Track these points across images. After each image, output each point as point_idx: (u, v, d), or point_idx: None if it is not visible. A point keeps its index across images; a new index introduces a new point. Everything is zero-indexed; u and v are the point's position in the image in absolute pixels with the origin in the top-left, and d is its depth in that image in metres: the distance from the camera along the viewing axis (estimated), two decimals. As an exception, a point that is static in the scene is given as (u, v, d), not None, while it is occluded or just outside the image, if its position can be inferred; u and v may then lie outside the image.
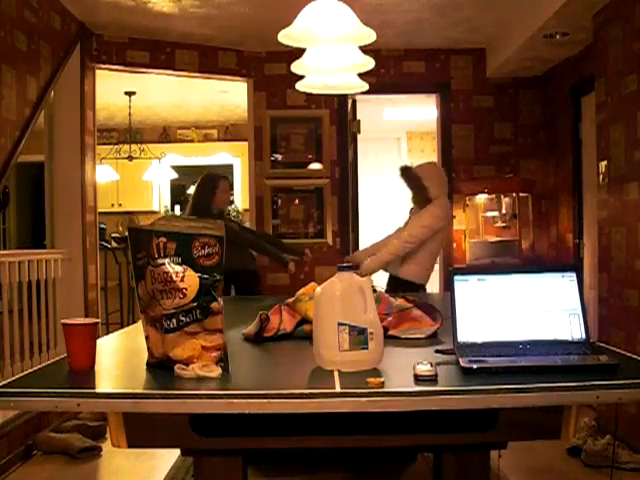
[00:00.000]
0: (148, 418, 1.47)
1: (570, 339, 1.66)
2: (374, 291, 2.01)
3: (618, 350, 1.78)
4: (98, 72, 5.15)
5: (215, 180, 4.70)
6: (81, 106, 4.81)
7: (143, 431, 1.52)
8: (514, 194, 5.52)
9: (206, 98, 7.29)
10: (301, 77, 3.21)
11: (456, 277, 1.72)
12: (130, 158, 7.71)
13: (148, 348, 1.63)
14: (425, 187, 4.14)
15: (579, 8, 3.91)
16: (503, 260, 5.34)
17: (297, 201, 5.64)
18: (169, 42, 5.30)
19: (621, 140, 3.73)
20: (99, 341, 1.73)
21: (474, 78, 5.67)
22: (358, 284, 1.63)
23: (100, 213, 5.41)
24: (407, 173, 4.27)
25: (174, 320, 1.55)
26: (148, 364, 1.64)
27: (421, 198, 4.19)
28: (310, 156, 5.62)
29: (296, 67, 2.97)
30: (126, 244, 5.56)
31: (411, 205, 4.39)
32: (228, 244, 1.56)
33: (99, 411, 3.06)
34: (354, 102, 5.82)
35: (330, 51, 2.84)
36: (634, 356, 1.71)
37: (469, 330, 1.67)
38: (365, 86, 3.34)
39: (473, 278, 1.72)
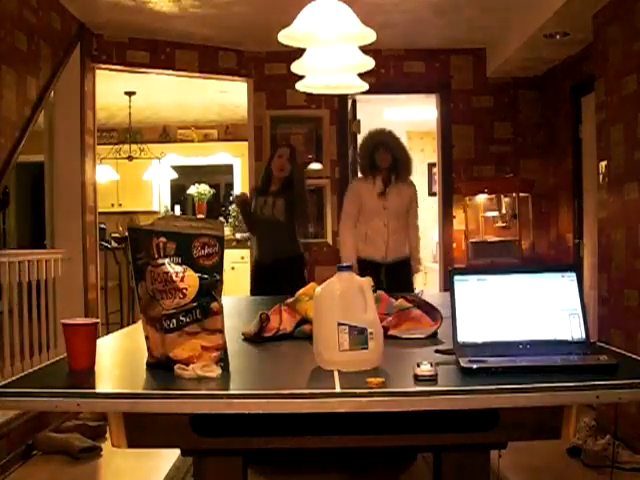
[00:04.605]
0: (148, 418, 1.47)
1: (570, 339, 1.66)
2: (374, 291, 2.01)
3: (618, 350, 1.78)
4: (98, 72, 5.15)
5: (277, 146, 4.75)
6: (81, 106, 4.81)
7: (143, 431, 1.51)
8: (514, 194, 5.52)
9: (206, 98, 7.29)
10: (301, 77, 3.21)
11: (456, 277, 1.72)
12: (130, 158, 7.71)
13: (148, 348, 1.63)
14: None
15: (579, 8, 3.91)
16: (503, 260, 5.34)
17: (297, 201, 5.63)
18: (169, 42, 5.30)
19: (621, 140, 3.73)
20: (99, 341, 1.73)
21: (474, 78, 5.67)
22: (358, 284, 1.63)
23: (100, 213, 5.41)
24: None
25: (174, 320, 1.55)
26: (148, 364, 1.64)
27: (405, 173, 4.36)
28: (310, 156, 5.62)
29: (296, 67, 2.97)
30: (126, 244, 5.57)
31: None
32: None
33: (99, 411, 3.06)
34: (354, 102, 5.82)
35: (330, 51, 2.84)
36: (634, 356, 1.71)
37: (469, 330, 1.67)
38: (365, 86, 3.34)
39: (473, 278, 1.72)
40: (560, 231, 5.40)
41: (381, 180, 4.27)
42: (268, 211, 4.34)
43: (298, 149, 5.61)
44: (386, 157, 4.24)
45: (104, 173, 7.45)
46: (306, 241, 5.40)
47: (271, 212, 4.33)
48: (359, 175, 4.54)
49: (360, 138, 5.77)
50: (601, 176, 4.01)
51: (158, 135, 8.86)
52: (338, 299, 1.59)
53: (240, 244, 7.78)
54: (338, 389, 1.43)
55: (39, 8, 4.14)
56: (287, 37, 2.59)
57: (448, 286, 1.75)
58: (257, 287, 4.50)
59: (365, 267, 4.08)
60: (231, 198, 8.88)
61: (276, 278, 4.26)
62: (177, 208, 8.97)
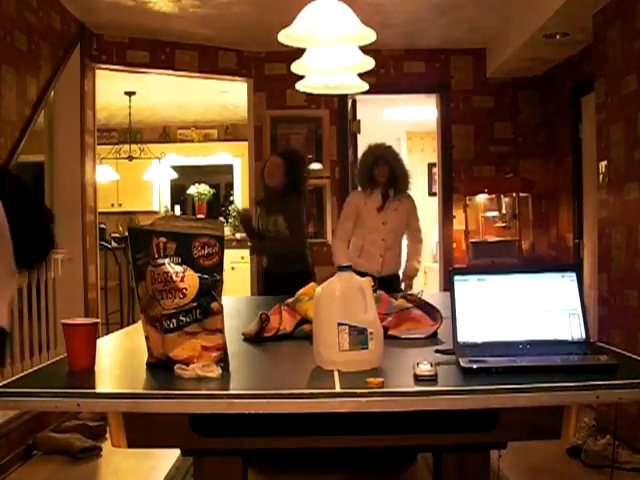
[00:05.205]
0: (148, 418, 1.47)
1: (570, 339, 1.66)
2: (374, 291, 2.01)
3: (618, 350, 1.78)
4: (98, 72, 5.15)
5: (272, 155, 4.66)
6: (81, 106, 4.80)
7: (143, 431, 1.52)
8: (514, 194, 5.52)
9: (206, 98, 7.29)
10: (301, 77, 3.21)
11: (456, 277, 1.72)
12: (130, 158, 7.71)
13: (148, 348, 1.63)
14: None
15: (579, 8, 3.91)
16: (503, 260, 5.34)
17: (297, 201, 5.63)
18: (169, 42, 5.30)
19: (621, 140, 3.73)
20: (99, 341, 1.73)
21: (474, 78, 5.67)
22: (358, 284, 1.63)
23: (100, 213, 5.41)
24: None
25: (174, 320, 1.55)
26: (148, 364, 1.64)
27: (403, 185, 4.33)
28: (310, 156, 5.62)
29: (296, 67, 2.97)
30: (126, 244, 5.56)
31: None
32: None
33: (99, 411, 3.06)
34: (354, 102, 5.82)
35: (330, 51, 2.84)
36: (634, 356, 1.71)
37: (469, 330, 1.67)
38: (365, 86, 3.34)
39: (473, 278, 1.72)
40: (560, 231, 5.40)
41: (380, 195, 4.28)
42: (272, 229, 4.32)
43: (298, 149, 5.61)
44: (384, 171, 4.25)
45: (104, 173, 7.45)
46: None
47: (275, 229, 4.31)
48: (358, 188, 4.53)
49: (360, 138, 5.80)
50: (601, 176, 4.01)
51: (158, 135, 8.86)
52: (338, 299, 1.59)
53: (240, 244, 7.78)
54: (338, 389, 1.43)
55: (39, 8, 4.14)
56: (287, 37, 2.59)
57: (448, 286, 1.75)
58: (267, 293, 4.52)
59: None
60: (231, 201, 8.88)
61: (285, 289, 4.25)
62: (177, 208, 8.96)
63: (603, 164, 3.97)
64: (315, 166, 5.61)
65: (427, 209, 8.23)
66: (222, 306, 1.58)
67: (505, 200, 5.66)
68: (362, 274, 4.39)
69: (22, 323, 3.94)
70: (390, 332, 2.01)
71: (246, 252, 6.69)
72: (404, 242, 4.47)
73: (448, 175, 5.73)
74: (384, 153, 4.31)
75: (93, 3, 4.50)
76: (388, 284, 4.22)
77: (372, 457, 3.17)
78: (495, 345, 1.64)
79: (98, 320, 1.70)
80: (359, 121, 5.84)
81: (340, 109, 5.66)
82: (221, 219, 8.24)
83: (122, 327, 4.70)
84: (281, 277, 4.36)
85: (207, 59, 5.46)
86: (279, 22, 2.75)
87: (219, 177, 9.20)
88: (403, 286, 4.38)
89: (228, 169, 8.88)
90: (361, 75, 3.17)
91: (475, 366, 1.51)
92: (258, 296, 4.83)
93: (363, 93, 3.93)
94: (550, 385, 1.39)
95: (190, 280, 1.55)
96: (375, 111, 6.94)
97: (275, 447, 1.67)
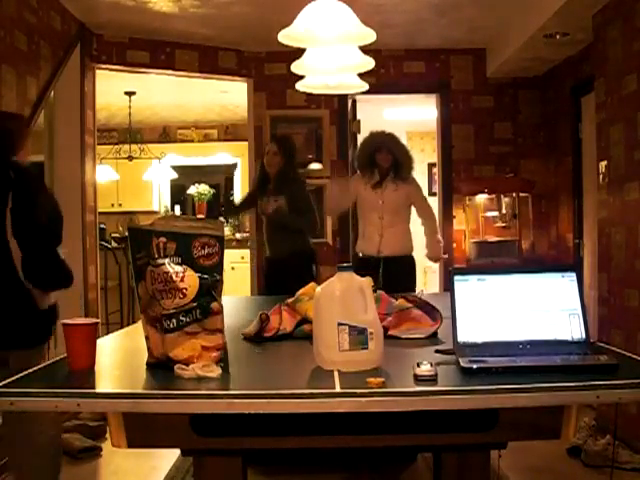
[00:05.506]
0: (148, 418, 1.47)
1: (570, 339, 1.66)
2: (374, 291, 2.01)
3: (618, 350, 1.78)
4: (98, 72, 5.15)
5: (270, 141, 4.70)
6: (81, 106, 4.80)
7: (143, 431, 1.51)
8: (514, 194, 5.52)
9: (206, 98, 7.29)
10: (301, 77, 3.21)
11: (456, 277, 1.72)
12: (130, 158, 7.71)
13: (148, 348, 1.63)
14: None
15: (579, 8, 3.91)
16: (503, 260, 5.34)
17: (297, 201, 5.62)
18: (169, 42, 5.30)
19: (621, 140, 3.73)
20: (99, 341, 1.73)
21: (474, 78, 5.67)
22: (358, 284, 1.63)
23: (100, 213, 5.40)
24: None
25: (174, 320, 1.55)
26: (148, 364, 1.64)
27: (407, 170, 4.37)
28: (310, 156, 5.62)
29: (296, 67, 2.98)
30: (126, 244, 5.57)
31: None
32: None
33: (99, 411, 3.06)
34: (354, 102, 5.82)
35: (330, 51, 2.84)
36: (634, 356, 1.71)
37: (469, 330, 1.67)
38: (365, 86, 3.34)
39: (473, 278, 1.72)
40: (560, 231, 5.40)
41: (378, 175, 4.32)
42: (273, 210, 4.34)
43: (298, 149, 5.61)
44: (388, 158, 4.28)
45: (104, 173, 7.45)
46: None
47: (276, 211, 4.34)
48: (357, 172, 4.56)
49: (360, 138, 5.79)
50: (601, 176, 4.01)
51: (158, 135, 8.86)
52: (338, 299, 1.59)
53: (240, 244, 7.78)
54: (338, 389, 1.43)
55: (39, 8, 4.13)
56: (287, 37, 2.60)
57: (448, 286, 1.75)
58: (269, 283, 4.53)
59: (363, 264, 4.13)
60: (231, 201, 8.86)
61: (290, 272, 4.24)
62: (177, 208, 8.96)
63: (603, 164, 3.97)
64: (315, 166, 5.61)
65: (427, 209, 8.22)
66: (222, 306, 1.58)
67: (505, 200, 5.66)
68: (363, 258, 4.46)
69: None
70: (390, 332, 2.01)
71: (246, 252, 6.71)
72: (420, 228, 4.48)
73: (448, 175, 5.73)
74: (386, 140, 4.34)
75: (93, 3, 4.50)
76: (394, 268, 4.21)
77: (372, 457, 3.17)
78: (495, 345, 1.64)
79: (98, 320, 1.70)
80: (359, 121, 5.84)
81: (340, 109, 5.66)
82: (221, 219, 8.24)
83: (122, 327, 4.69)
84: (284, 259, 4.38)
85: (207, 59, 5.46)
86: (279, 22, 2.75)
87: (219, 177, 9.21)
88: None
89: (228, 169, 8.88)
90: (361, 75, 3.17)
91: (475, 366, 1.51)
92: (258, 296, 4.83)
93: (363, 93, 3.93)
94: (550, 385, 1.39)
95: (190, 280, 1.55)
96: (375, 111, 6.93)
97: (275, 447, 1.67)
